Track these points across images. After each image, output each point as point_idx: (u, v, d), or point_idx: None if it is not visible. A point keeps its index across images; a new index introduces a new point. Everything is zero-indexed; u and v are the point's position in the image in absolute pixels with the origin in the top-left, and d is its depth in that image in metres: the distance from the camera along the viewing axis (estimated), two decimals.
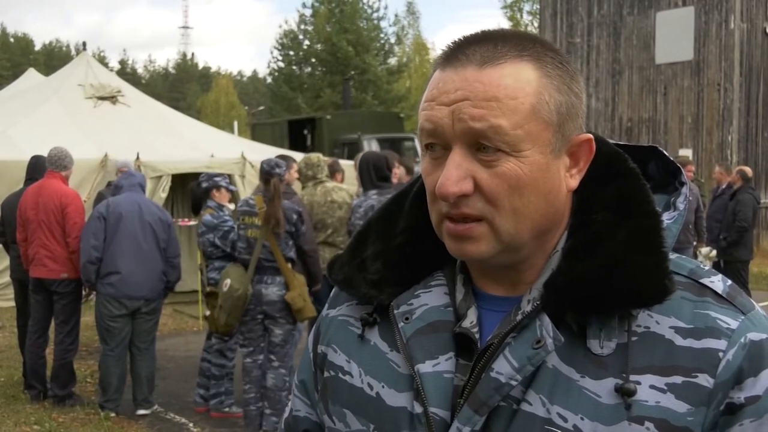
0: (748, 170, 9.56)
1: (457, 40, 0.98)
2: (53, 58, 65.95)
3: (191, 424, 5.84)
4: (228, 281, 5.29)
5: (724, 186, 9.67)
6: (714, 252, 9.07)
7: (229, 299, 5.26)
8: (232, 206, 6.36)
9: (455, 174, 0.91)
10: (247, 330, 5.42)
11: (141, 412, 5.93)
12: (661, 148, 1.07)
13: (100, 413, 5.86)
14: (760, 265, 13.21)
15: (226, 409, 5.94)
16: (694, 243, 8.82)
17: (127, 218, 5.69)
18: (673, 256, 0.97)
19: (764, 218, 16.81)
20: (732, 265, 8.82)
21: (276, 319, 5.32)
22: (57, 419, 5.80)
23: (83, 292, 6.23)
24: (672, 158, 1.07)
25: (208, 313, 5.71)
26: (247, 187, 10.02)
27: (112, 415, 5.84)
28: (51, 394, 6.16)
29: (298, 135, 21.67)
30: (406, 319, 1.02)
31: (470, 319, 1.00)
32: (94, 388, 6.51)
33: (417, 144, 20.10)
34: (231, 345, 5.96)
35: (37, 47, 75.33)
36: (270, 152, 10.18)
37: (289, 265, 5.33)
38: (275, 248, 5.25)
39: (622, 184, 0.99)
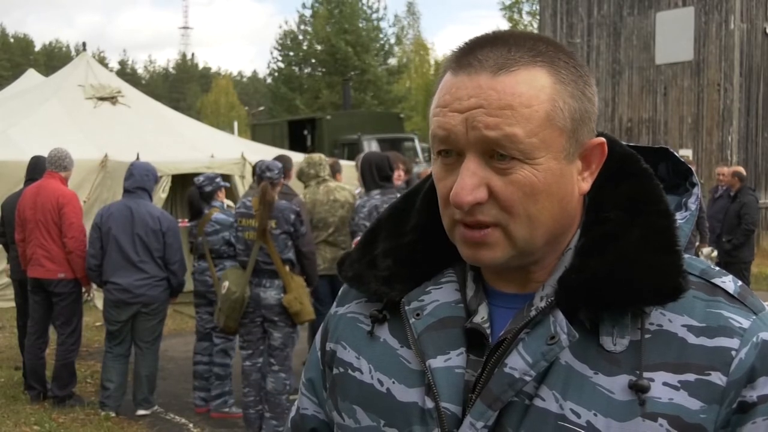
0: (743, 170, 9.62)
1: (468, 41, 0.97)
2: (53, 59, 65.97)
3: (191, 425, 5.83)
4: (226, 283, 5.28)
5: (725, 187, 9.68)
6: (715, 252, 9.07)
7: (226, 301, 5.25)
8: (232, 204, 6.36)
9: (470, 183, 0.91)
10: (246, 332, 5.39)
11: (141, 412, 5.92)
12: (672, 150, 1.08)
13: (100, 413, 5.85)
14: (760, 265, 13.20)
15: (226, 410, 5.93)
16: (696, 244, 8.82)
17: (117, 232, 5.69)
18: (685, 256, 0.97)
19: (764, 218, 16.81)
20: (735, 266, 8.82)
21: (275, 323, 5.29)
22: (57, 420, 5.79)
23: (83, 292, 6.24)
24: (683, 159, 1.07)
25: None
26: (248, 187, 10.01)
27: (112, 415, 5.83)
28: (51, 395, 6.15)
29: (298, 135, 21.70)
30: (417, 315, 1.02)
31: (481, 315, 1.00)
32: (94, 389, 6.50)
33: (417, 144, 20.12)
34: (234, 345, 5.96)
35: (37, 48, 75.39)
36: (270, 153, 10.18)
37: (287, 267, 5.28)
38: (272, 251, 5.21)
39: (635, 184, 0.99)
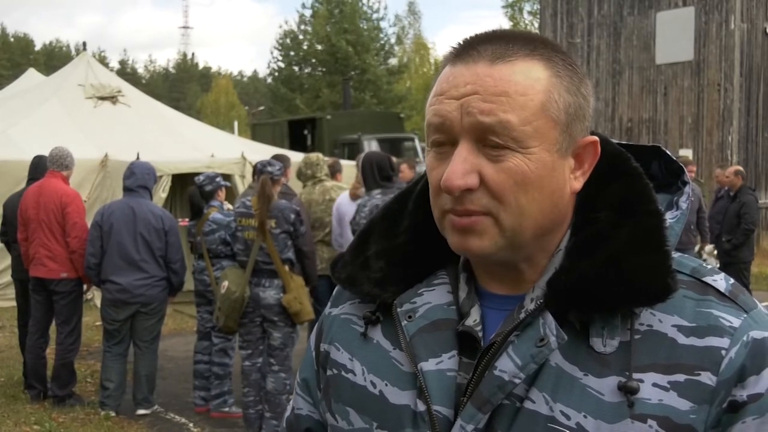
0: (742, 169, 9.64)
1: (468, 37, 0.98)
2: (53, 58, 65.92)
3: (191, 424, 5.83)
4: (226, 283, 5.27)
5: (726, 187, 9.67)
6: (716, 251, 9.06)
7: (226, 301, 5.25)
8: (231, 207, 6.37)
9: (461, 168, 0.91)
10: (246, 332, 5.39)
11: (141, 411, 5.92)
12: (664, 148, 1.07)
13: (100, 413, 5.86)
14: (760, 265, 13.19)
15: (226, 409, 5.93)
16: (697, 245, 8.81)
17: (118, 230, 5.68)
18: (675, 254, 0.97)
19: (764, 218, 16.80)
20: (734, 266, 8.82)
21: (275, 323, 5.29)
22: (57, 419, 5.79)
23: (83, 291, 6.25)
24: (675, 158, 1.07)
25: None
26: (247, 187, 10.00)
27: (112, 415, 5.83)
28: (51, 394, 6.16)
29: (298, 135, 21.68)
30: (409, 317, 1.02)
31: (473, 318, 1.00)
32: (94, 388, 6.51)
33: (417, 144, 20.11)
34: (234, 344, 5.96)
35: (38, 47, 75.34)
36: (270, 152, 10.17)
37: (287, 267, 5.27)
38: (272, 250, 5.21)
39: (625, 184, 0.99)
